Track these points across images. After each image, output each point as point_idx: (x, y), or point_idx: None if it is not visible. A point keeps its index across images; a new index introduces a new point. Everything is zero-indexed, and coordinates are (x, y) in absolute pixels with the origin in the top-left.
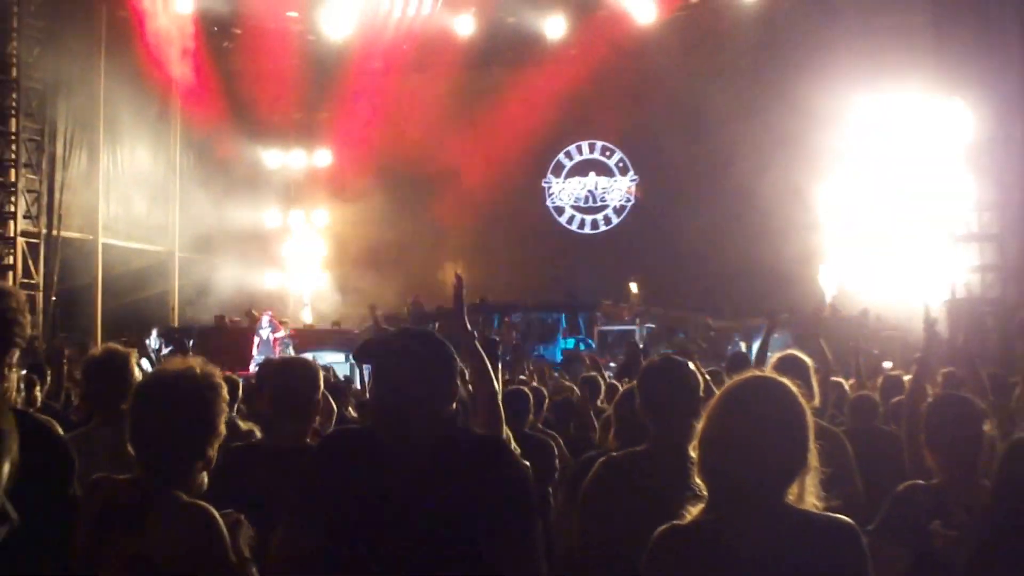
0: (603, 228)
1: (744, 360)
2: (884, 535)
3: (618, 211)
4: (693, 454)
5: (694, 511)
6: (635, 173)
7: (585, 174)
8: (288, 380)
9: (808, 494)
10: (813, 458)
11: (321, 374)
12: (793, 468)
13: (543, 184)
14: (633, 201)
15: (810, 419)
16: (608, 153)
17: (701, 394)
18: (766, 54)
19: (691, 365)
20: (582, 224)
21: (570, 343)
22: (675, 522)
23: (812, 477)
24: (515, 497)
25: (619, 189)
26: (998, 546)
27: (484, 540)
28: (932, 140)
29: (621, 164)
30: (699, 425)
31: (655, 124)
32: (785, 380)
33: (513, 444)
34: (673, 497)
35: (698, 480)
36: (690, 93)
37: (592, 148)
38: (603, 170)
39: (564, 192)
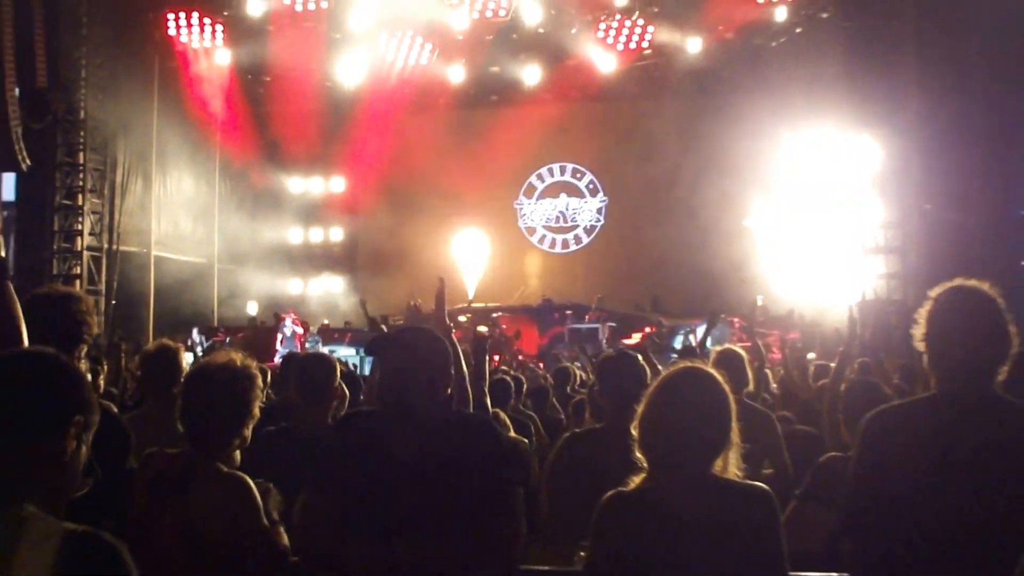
0: (573, 248)
1: (691, 352)
2: (808, 499)
3: (588, 231)
4: (634, 432)
5: (636, 480)
6: (604, 195)
7: (556, 195)
8: (310, 371)
9: (731, 465)
10: (735, 436)
11: (337, 366)
12: (717, 445)
13: (515, 205)
14: (603, 221)
15: (732, 403)
16: (578, 175)
17: (648, 382)
18: (706, 96)
19: (640, 357)
20: (553, 244)
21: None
22: (620, 488)
23: (734, 452)
24: (496, 466)
25: (589, 209)
26: (856, 500)
27: (472, 501)
28: (845, 169)
29: (591, 186)
30: (639, 408)
31: (617, 152)
32: (712, 370)
33: (500, 422)
34: (621, 468)
35: (638, 454)
36: (645, 128)
37: (563, 170)
38: (574, 191)
39: (536, 213)
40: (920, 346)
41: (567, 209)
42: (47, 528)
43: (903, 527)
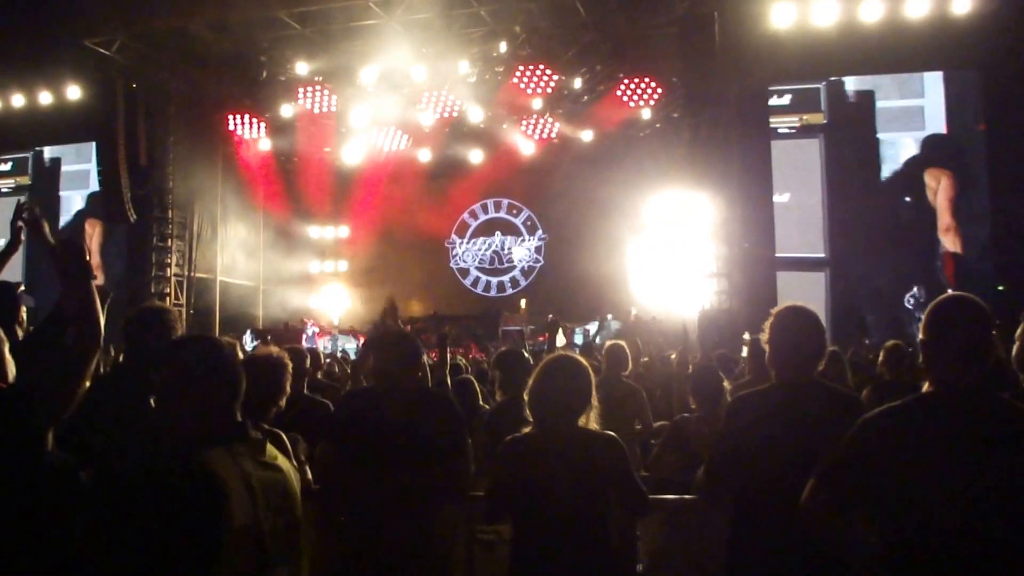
0: (509, 292)
1: (587, 347)
2: (666, 446)
3: (525, 272)
4: (526, 398)
5: (526, 430)
6: (543, 232)
7: (491, 234)
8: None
9: (591, 421)
10: (594, 400)
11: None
12: (579, 407)
13: (447, 245)
14: (542, 263)
15: (592, 379)
16: (515, 211)
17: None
18: (596, 168)
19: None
20: (488, 287)
21: None
22: (515, 435)
23: (594, 412)
24: (452, 422)
25: (527, 248)
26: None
27: (437, 450)
28: (690, 218)
29: (528, 223)
30: (528, 383)
31: (544, 203)
32: (577, 357)
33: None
34: (519, 423)
35: (527, 413)
36: (553, 190)
37: (498, 206)
38: (510, 229)
39: (468, 253)
40: (765, 347)
41: (503, 248)
42: None
43: (751, 471)
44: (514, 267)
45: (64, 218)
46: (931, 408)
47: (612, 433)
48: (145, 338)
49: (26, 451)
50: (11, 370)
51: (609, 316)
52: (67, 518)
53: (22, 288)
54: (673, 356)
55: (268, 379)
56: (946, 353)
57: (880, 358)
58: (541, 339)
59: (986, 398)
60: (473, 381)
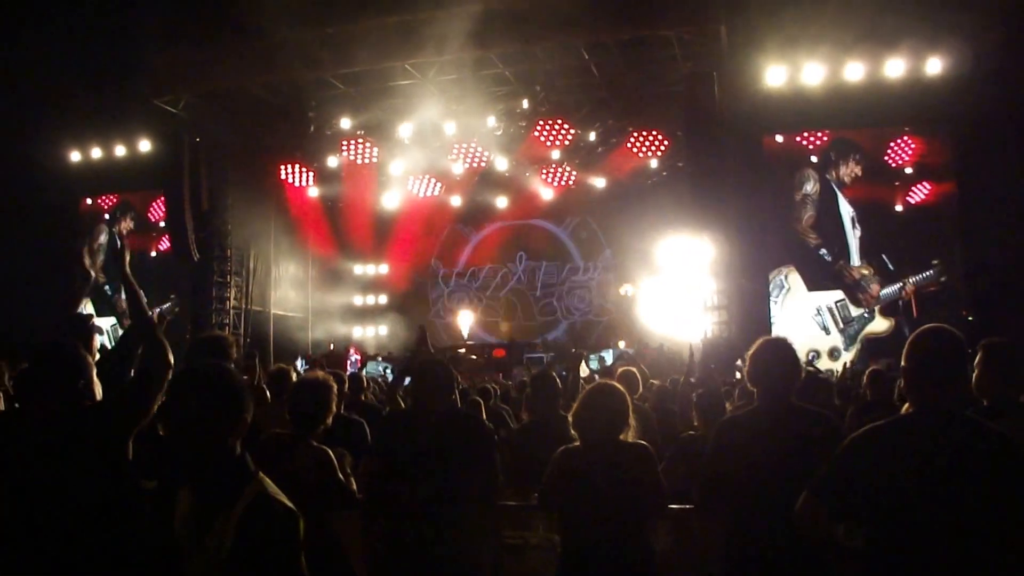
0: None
1: (604, 372)
2: (675, 459)
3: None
4: (571, 419)
5: (574, 445)
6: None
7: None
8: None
9: (628, 436)
10: (632, 421)
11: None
12: (620, 426)
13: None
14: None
15: (630, 403)
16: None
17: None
18: (609, 213)
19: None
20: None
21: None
22: (565, 447)
23: (632, 430)
24: (481, 439)
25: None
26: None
27: (470, 463)
28: (693, 257)
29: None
30: (575, 405)
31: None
32: (616, 383)
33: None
34: (561, 441)
35: (573, 432)
36: (571, 233)
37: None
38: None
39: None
40: (747, 374)
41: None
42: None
43: (740, 485)
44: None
45: None
46: (910, 428)
47: (645, 443)
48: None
49: (112, 457)
50: (98, 391)
51: (622, 344)
52: (135, 517)
53: (93, 319)
54: (681, 379)
55: (317, 399)
56: (924, 379)
57: (864, 381)
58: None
59: (959, 419)
60: (480, 403)
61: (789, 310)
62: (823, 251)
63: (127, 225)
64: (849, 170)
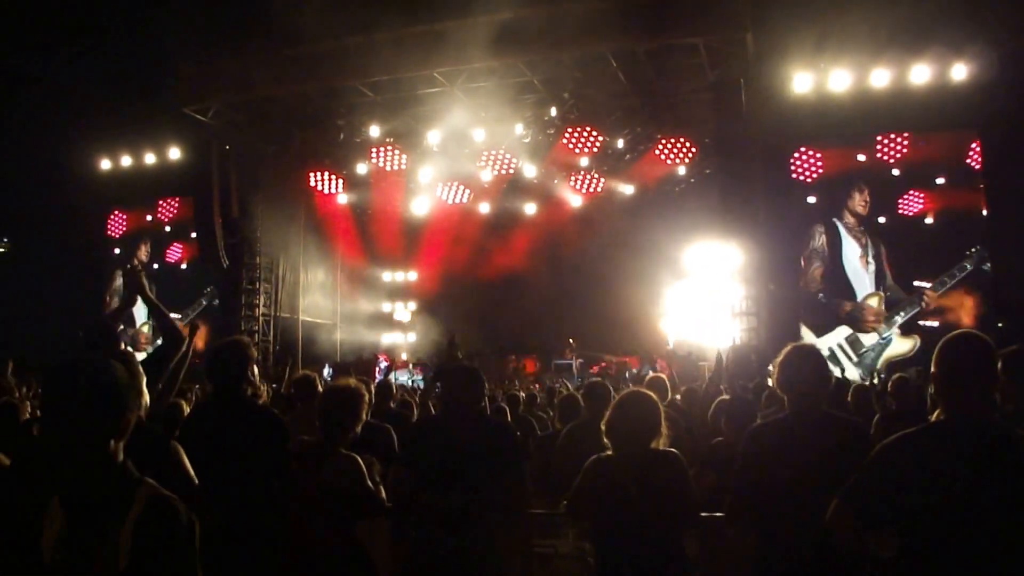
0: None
1: (636, 379)
2: (705, 467)
3: None
4: (603, 427)
5: (607, 453)
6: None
7: None
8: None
9: (660, 444)
10: (664, 428)
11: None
12: (652, 434)
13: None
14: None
15: (662, 411)
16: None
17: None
18: (637, 219)
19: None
20: None
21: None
22: (597, 455)
23: (664, 437)
24: (511, 447)
25: None
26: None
27: (499, 468)
28: (722, 263)
29: None
30: (607, 413)
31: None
32: (648, 391)
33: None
34: (592, 448)
35: (605, 440)
36: (600, 237)
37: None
38: None
39: None
40: (776, 382)
41: None
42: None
43: (770, 492)
44: None
45: None
46: (942, 435)
47: (676, 452)
48: (226, 367)
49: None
50: (147, 400)
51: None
52: None
53: (120, 324)
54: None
55: (348, 407)
56: (955, 385)
57: (889, 389)
58: (592, 370)
59: (991, 426)
60: (506, 410)
61: None
62: (821, 295)
63: (145, 251)
64: (857, 201)
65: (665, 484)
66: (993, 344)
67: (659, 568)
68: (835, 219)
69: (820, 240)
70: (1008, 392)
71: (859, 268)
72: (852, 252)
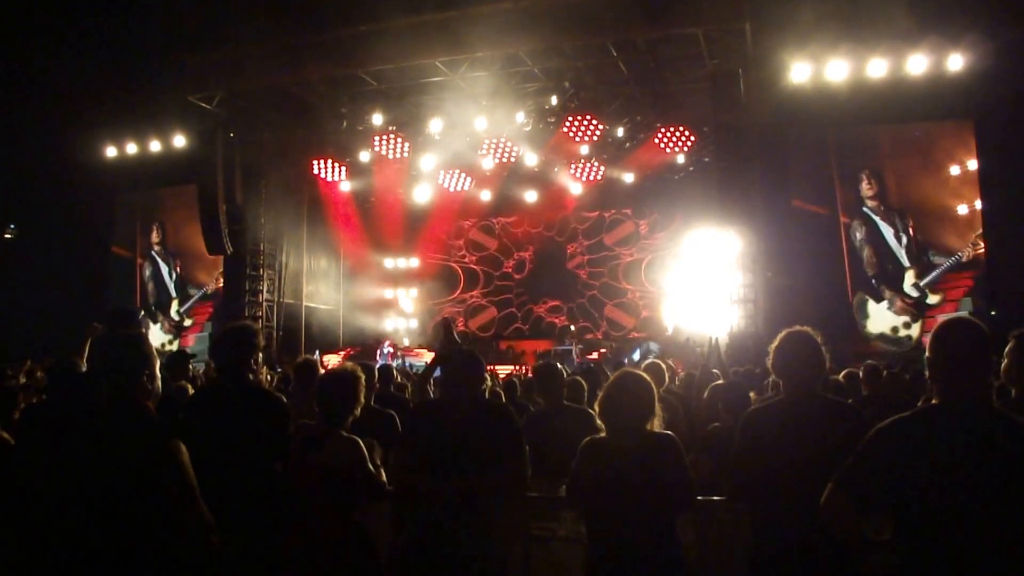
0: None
1: (636, 364)
2: (700, 451)
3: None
4: (597, 408)
5: (600, 435)
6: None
7: None
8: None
9: (655, 425)
10: (657, 410)
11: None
12: (645, 415)
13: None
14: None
15: (655, 392)
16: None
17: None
18: (635, 207)
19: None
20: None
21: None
22: (592, 437)
23: (657, 419)
24: (511, 431)
25: None
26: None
27: (498, 452)
28: (720, 251)
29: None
30: (600, 394)
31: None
32: (642, 373)
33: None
34: (584, 431)
35: (599, 422)
36: (598, 224)
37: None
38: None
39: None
40: (771, 366)
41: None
42: None
43: (766, 474)
44: None
45: None
46: (936, 419)
47: (671, 433)
48: (230, 349)
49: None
50: (159, 385)
51: (651, 344)
52: None
53: (141, 312)
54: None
55: (345, 390)
56: (949, 370)
57: (861, 376)
58: (589, 358)
59: (985, 410)
60: (501, 395)
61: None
62: (874, 280)
63: (156, 236)
64: (866, 187)
65: (661, 465)
66: (987, 330)
67: (651, 551)
68: (863, 209)
69: (861, 229)
70: (1013, 374)
71: (895, 245)
72: (887, 232)
